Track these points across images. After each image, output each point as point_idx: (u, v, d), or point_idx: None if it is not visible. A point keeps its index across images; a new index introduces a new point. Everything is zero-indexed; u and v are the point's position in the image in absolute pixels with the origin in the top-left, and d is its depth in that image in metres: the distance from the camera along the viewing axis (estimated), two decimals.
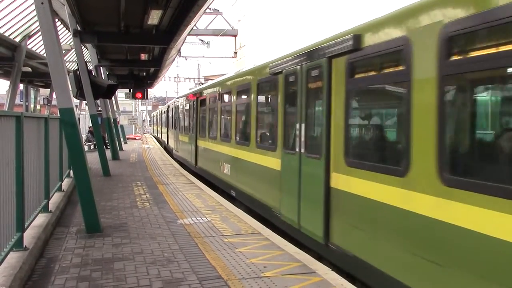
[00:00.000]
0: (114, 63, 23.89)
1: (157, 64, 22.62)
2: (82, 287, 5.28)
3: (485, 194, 3.84)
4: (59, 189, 10.84)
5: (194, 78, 60.99)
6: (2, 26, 18.94)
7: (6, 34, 19.67)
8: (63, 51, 19.75)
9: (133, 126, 58.66)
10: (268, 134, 9.57)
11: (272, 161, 8.72)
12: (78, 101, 34.59)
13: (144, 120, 73.61)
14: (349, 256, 5.89)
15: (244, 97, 11.17)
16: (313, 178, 6.88)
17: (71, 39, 18.29)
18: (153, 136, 57.54)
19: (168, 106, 31.57)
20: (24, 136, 6.23)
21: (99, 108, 25.00)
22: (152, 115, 71.33)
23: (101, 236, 7.58)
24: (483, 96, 4.67)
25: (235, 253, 6.56)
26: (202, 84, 23.43)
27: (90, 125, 26.37)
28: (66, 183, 12.13)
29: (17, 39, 21.09)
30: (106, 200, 10.96)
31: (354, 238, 5.86)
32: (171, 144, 27.43)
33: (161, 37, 16.04)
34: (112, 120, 25.21)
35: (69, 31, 18.42)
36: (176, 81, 65.52)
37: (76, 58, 18.95)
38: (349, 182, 5.97)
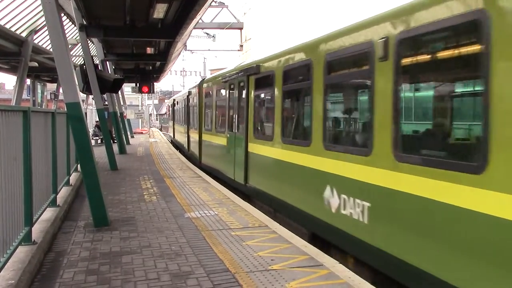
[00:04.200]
0: (120, 57, 23.91)
1: (163, 58, 22.61)
2: (90, 280, 5.31)
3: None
4: (67, 183, 10.90)
5: (200, 72, 61.03)
6: (8, 21, 18.98)
7: (13, 29, 19.71)
8: (69, 46, 19.78)
9: (140, 120, 58.80)
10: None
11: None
12: (85, 95, 34.68)
13: (150, 114, 73.69)
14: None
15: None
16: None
17: (77, 34, 18.34)
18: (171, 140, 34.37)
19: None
20: (31, 130, 6.25)
21: (106, 103, 25.06)
22: (173, 101, 33.65)
23: (108, 230, 7.61)
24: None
25: (243, 246, 6.56)
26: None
27: (97, 119, 26.45)
28: (73, 177, 12.20)
29: (24, 34, 21.12)
30: (114, 194, 11.00)
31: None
32: None
33: (167, 30, 16.01)
34: (119, 114, 25.30)
35: (75, 25, 18.44)
36: (182, 75, 65.66)
37: (82, 52, 18.98)
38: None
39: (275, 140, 9.09)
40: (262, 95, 10.53)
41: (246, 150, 10.81)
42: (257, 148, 10.18)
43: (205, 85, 16.91)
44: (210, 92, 15.52)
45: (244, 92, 11.09)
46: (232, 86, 12.28)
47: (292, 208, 8.26)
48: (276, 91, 9.05)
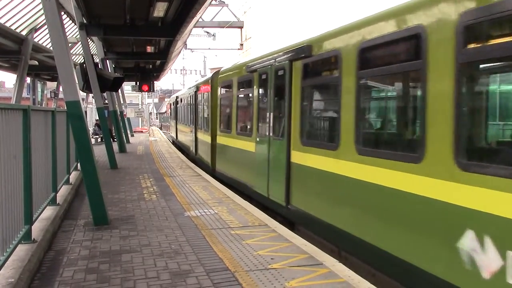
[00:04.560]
0: (120, 56, 23.91)
1: (163, 57, 22.61)
2: (90, 279, 5.31)
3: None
4: (67, 182, 10.90)
5: (200, 71, 61.12)
6: (8, 20, 18.98)
7: (13, 27, 19.71)
8: (70, 44, 19.77)
9: (140, 118, 58.84)
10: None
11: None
12: (85, 94, 34.70)
13: (150, 113, 73.74)
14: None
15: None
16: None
17: (77, 32, 18.32)
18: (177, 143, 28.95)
19: None
20: (31, 129, 6.25)
21: (106, 101, 25.06)
22: (176, 99, 29.89)
23: (108, 228, 7.62)
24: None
25: (242, 245, 6.56)
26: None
27: (97, 118, 26.45)
28: (73, 176, 12.20)
29: (24, 33, 21.11)
30: (113, 192, 11.00)
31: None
32: None
33: (167, 29, 16.00)
34: (119, 113, 25.29)
35: (75, 24, 18.45)
36: (182, 73, 65.78)
37: (82, 51, 18.98)
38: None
39: (343, 149, 6.51)
40: (317, 86, 7.99)
41: (288, 160, 8.31)
42: (307, 159, 7.62)
43: (220, 77, 14.00)
44: (229, 85, 12.83)
45: (284, 83, 8.51)
46: (263, 77, 9.70)
47: (379, 253, 5.59)
48: (345, 80, 6.42)
